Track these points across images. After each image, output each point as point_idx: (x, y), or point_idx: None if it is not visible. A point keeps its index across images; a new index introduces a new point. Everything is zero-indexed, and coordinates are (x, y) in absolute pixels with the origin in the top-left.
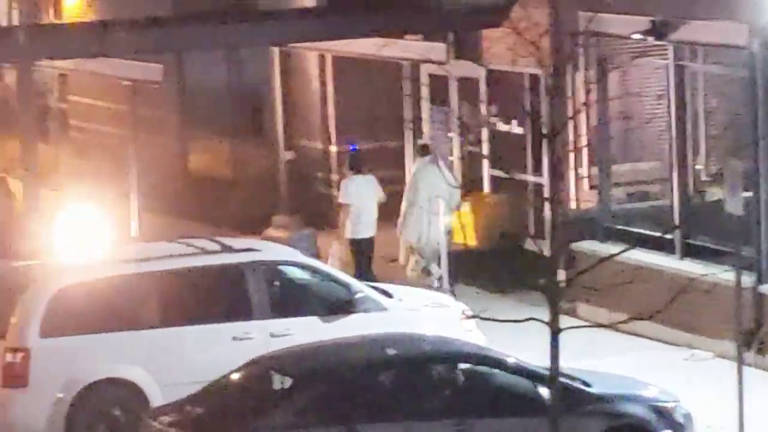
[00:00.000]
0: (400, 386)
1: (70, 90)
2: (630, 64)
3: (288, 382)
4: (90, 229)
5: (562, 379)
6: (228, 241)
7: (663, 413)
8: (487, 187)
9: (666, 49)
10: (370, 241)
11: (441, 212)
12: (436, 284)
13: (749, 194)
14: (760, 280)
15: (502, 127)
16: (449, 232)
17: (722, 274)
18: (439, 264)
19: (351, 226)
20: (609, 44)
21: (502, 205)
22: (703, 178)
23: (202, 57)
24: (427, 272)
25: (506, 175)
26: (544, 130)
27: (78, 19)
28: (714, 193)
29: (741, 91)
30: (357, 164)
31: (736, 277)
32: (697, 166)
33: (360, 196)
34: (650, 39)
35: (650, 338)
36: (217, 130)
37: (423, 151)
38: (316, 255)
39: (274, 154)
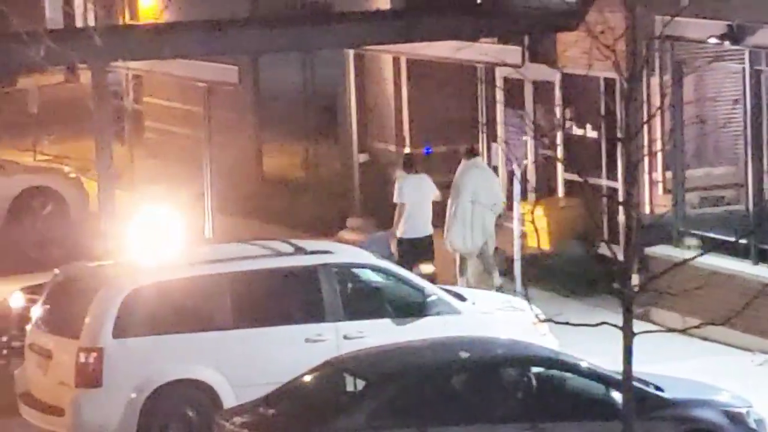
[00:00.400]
0: (472, 389)
1: (145, 91)
2: (706, 68)
3: (361, 384)
4: (164, 230)
5: (634, 384)
6: (301, 243)
7: (736, 418)
8: (561, 191)
9: (742, 54)
10: (425, 241)
11: (516, 216)
12: (497, 285)
13: None
14: None
15: (576, 130)
16: (523, 236)
17: None
18: (485, 265)
19: (403, 226)
20: (685, 48)
21: (575, 209)
22: None
23: (277, 59)
24: (488, 273)
25: (580, 179)
26: (619, 134)
27: (153, 20)
28: None
29: None
30: (411, 164)
31: None
32: None
33: (414, 196)
34: (726, 43)
35: (723, 343)
36: (292, 132)
37: (468, 153)
38: (390, 257)
39: (348, 156)
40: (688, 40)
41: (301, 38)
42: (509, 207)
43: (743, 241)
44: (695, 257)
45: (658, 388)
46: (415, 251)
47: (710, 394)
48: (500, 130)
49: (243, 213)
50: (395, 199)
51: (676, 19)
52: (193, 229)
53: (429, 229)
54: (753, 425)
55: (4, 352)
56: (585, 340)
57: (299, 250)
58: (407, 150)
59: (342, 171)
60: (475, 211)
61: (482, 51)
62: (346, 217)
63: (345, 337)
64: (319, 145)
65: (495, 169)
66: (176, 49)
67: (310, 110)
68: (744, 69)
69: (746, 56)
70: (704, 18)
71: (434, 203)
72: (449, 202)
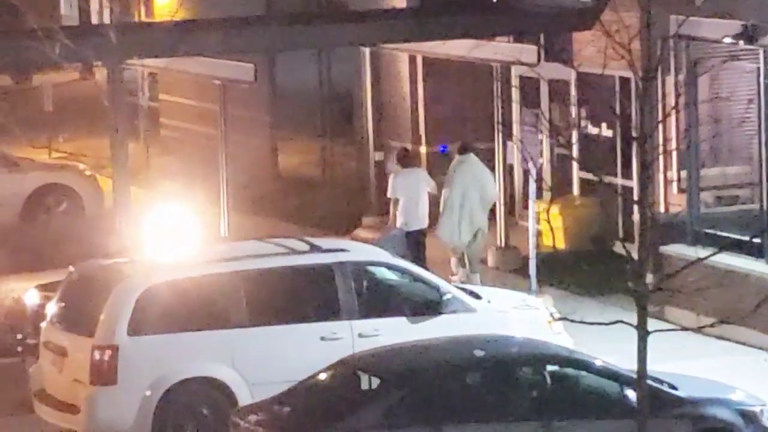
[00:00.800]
0: (487, 388)
1: (161, 89)
2: (720, 67)
3: (375, 382)
4: (179, 228)
5: (649, 382)
6: (317, 241)
7: (749, 417)
8: (576, 189)
9: (757, 53)
10: (420, 234)
11: (531, 215)
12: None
13: None
14: None
15: (591, 129)
16: (538, 234)
17: None
18: (469, 264)
19: (399, 220)
20: (699, 48)
21: (591, 208)
22: None
23: (293, 57)
24: (471, 272)
25: (595, 178)
26: (634, 133)
27: (169, 18)
28: None
29: None
30: (405, 159)
31: None
32: None
33: (408, 191)
34: (741, 43)
35: (738, 342)
36: (307, 130)
37: (462, 149)
38: (405, 255)
39: (364, 154)
40: (703, 40)
41: (317, 36)
42: (524, 206)
43: (757, 240)
44: (709, 256)
45: (672, 387)
46: (411, 244)
47: (724, 393)
48: (516, 129)
49: (258, 211)
50: (389, 194)
51: (691, 18)
52: (208, 226)
53: (424, 223)
54: (767, 424)
55: (19, 349)
56: (599, 339)
57: (315, 248)
58: (423, 148)
59: (357, 169)
60: (464, 207)
61: (497, 50)
62: (361, 215)
63: (360, 335)
64: (334, 143)
65: (511, 167)
66: (192, 46)
67: (325, 108)
68: (758, 69)
69: (761, 56)
70: (719, 18)
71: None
72: (442, 196)
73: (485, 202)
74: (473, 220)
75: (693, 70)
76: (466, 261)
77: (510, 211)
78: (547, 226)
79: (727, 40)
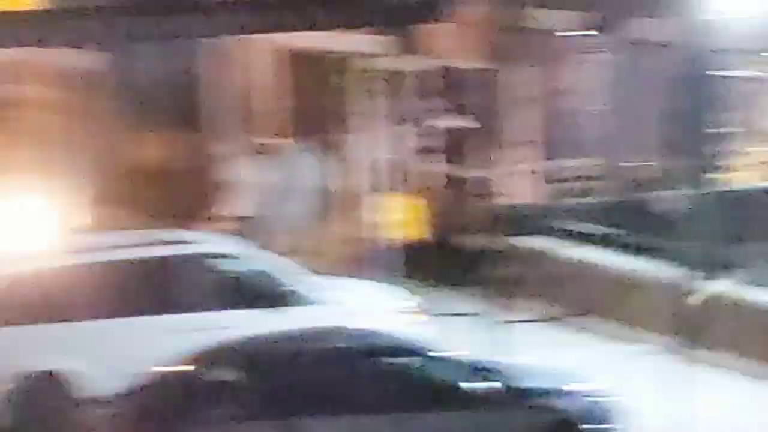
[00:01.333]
0: (325, 380)
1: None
2: (576, 59)
3: (219, 376)
4: (26, 221)
5: (500, 372)
6: (164, 233)
7: (600, 407)
8: (432, 182)
9: (611, 45)
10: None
11: (390, 207)
12: None
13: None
14: (693, 275)
15: (449, 121)
16: (398, 226)
17: (660, 270)
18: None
19: (250, 209)
20: (554, 39)
21: (448, 200)
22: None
23: (144, 47)
24: None
25: (453, 170)
26: (488, 124)
27: (16, 7)
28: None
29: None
30: (260, 151)
31: (673, 273)
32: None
33: (260, 181)
34: (596, 34)
35: (592, 333)
36: (160, 122)
37: (296, 139)
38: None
39: (216, 147)
40: (558, 31)
41: (172, 27)
42: (375, 198)
43: (610, 232)
44: (562, 249)
45: (522, 378)
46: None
47: (575, 384)
48: (375, 122)
49: (108, 203)
50: (237, 184)
51: (545, 10)
52: (58, 219)
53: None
54: (615, 415)
55: None
56: (454, 330)
57: (162, 241)
58: (277, 141)
59: (209, 162)
60: (292, 196)
61: (354, 41)
62: (211, 207)
63: (205, 328)
64: (186, 136)
65: (366, 159)
66: (42, 36)
67: (177, 99)
68: (612, 60)
69: (614, 48)
70: (574, 10)
71: None
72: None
73: (314, 192)
74: (301, 209)
75: (549, 61)
76: (296, 247)
77: (359, 204)
78: (403, 218)
79: (583, 31)
